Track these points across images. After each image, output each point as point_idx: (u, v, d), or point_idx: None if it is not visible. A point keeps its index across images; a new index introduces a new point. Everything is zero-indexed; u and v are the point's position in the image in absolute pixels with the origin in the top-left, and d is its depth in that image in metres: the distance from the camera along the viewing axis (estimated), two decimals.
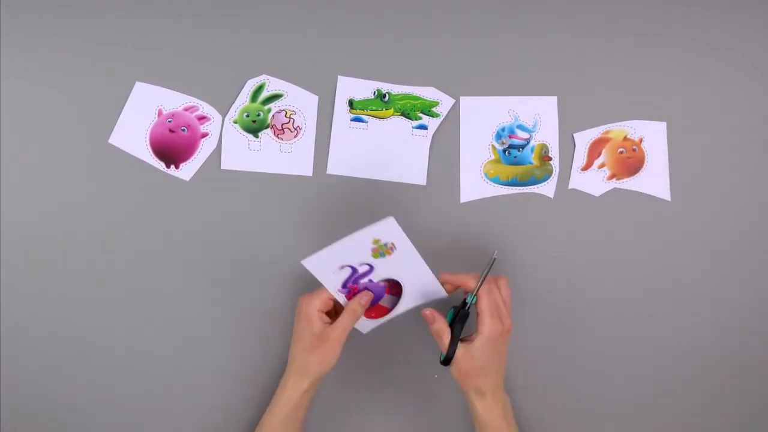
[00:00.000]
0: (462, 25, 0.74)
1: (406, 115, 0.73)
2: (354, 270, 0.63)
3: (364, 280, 0.64)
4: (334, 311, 0.66)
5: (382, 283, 0.65)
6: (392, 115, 0.74)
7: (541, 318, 0.72)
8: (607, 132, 0.74)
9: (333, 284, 0.64)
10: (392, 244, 0.61)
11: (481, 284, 0.63)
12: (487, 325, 0.62)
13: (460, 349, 0.63)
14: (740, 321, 0.73)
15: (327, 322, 0.64)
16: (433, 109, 0.73)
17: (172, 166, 0.72)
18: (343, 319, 0.63)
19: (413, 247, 0.62)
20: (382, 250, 0.62)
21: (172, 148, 0.72)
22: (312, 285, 0.63)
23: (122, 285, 0.71)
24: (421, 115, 0.73)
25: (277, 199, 0.72)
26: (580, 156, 0.74)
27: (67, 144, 0.71)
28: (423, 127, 0.73)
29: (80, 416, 0.71)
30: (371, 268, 0.63)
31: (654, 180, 0.73)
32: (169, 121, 0.72)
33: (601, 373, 0.72)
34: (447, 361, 0.63)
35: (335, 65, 0.73)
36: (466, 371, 0.63)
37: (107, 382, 0.71)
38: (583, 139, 0.74)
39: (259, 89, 0.73)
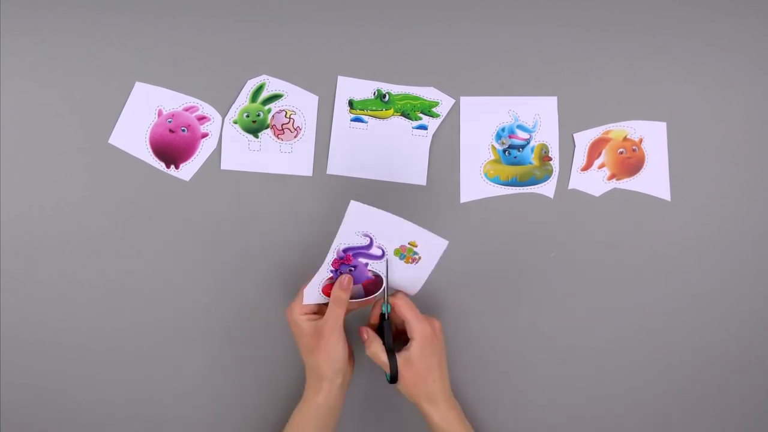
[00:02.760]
0: (462, 25, 0.74)
1: (406, 115, 0.73)
2: (367, 247, 0.61)
3: (362, 260, 0.62)
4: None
5: (369, 274, 0.64)
6: (392, 115, 0.74)
7: (540, 318, 0.72)
8: (607, 132, 0.74)
9: (336, 245, 0.61)
10: (420, 257, 0.60)
11: (387, 290, 0.62)
12: (417, 328, 0.61)
13: (400, 360, 0.61)
14: (740, 321, 0.73)
15: (315, 320, 0.63)
16: (433, 109, 0.73)
17: (172, 166, 0.72)
18: (331, 310, 0.62)
19: (432, 267, 0.59)
20: (409, 253, 0.60)
21: (172, 148, 0.72)
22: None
23: (122, 285, 0.71)
24: (421, 115, 0.73)
25: (277, 199, 0.72)
26: (580, 156, 0.74)
27: (67, 144, 0.71)
28: (423, 127, 0.73)
29: (80, 415, 0.71)
30: (382, 256, 0.61)
31: (654, 180, 0.73)
32: (169, 122, 0.72)
33: (601, 374, 0.73)
34: (394, 378, 0.62)
35: (335, 65, 0.73)
36: (410, 380, 0.62)
37: (107, 381, 0.71)
38: (583, 140, 0.74)
39: (259, 89, 0.73)
